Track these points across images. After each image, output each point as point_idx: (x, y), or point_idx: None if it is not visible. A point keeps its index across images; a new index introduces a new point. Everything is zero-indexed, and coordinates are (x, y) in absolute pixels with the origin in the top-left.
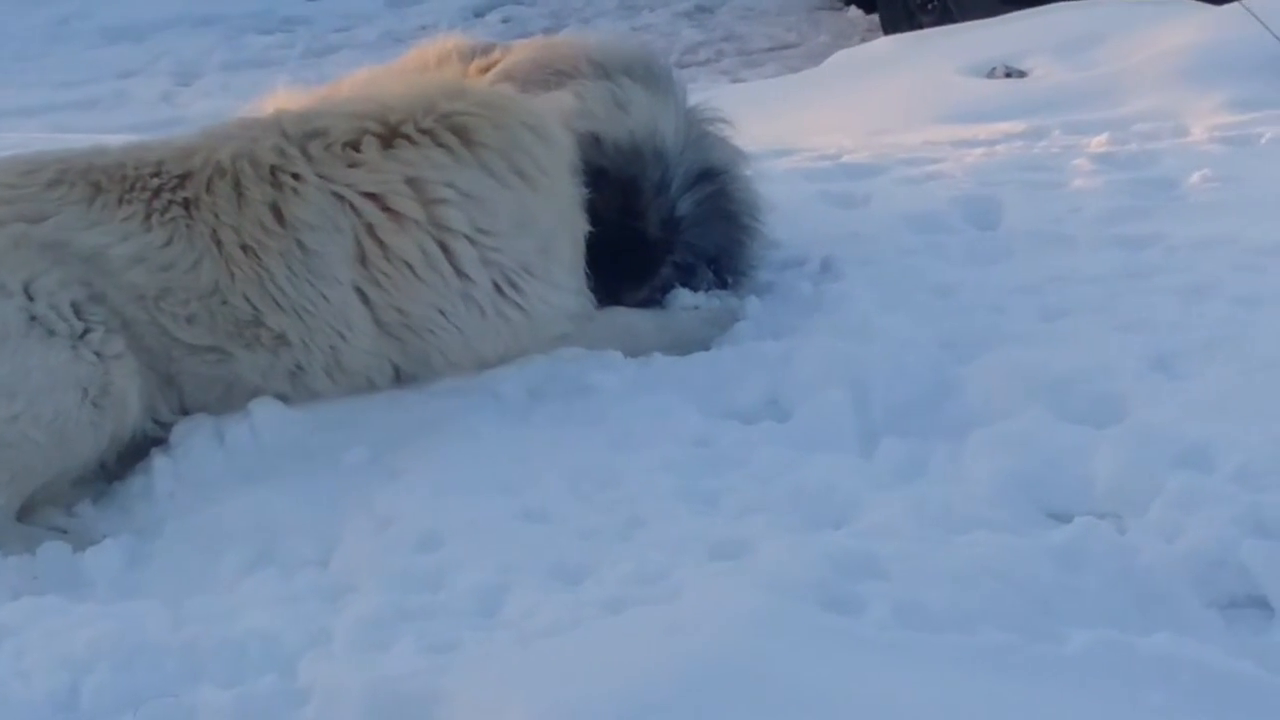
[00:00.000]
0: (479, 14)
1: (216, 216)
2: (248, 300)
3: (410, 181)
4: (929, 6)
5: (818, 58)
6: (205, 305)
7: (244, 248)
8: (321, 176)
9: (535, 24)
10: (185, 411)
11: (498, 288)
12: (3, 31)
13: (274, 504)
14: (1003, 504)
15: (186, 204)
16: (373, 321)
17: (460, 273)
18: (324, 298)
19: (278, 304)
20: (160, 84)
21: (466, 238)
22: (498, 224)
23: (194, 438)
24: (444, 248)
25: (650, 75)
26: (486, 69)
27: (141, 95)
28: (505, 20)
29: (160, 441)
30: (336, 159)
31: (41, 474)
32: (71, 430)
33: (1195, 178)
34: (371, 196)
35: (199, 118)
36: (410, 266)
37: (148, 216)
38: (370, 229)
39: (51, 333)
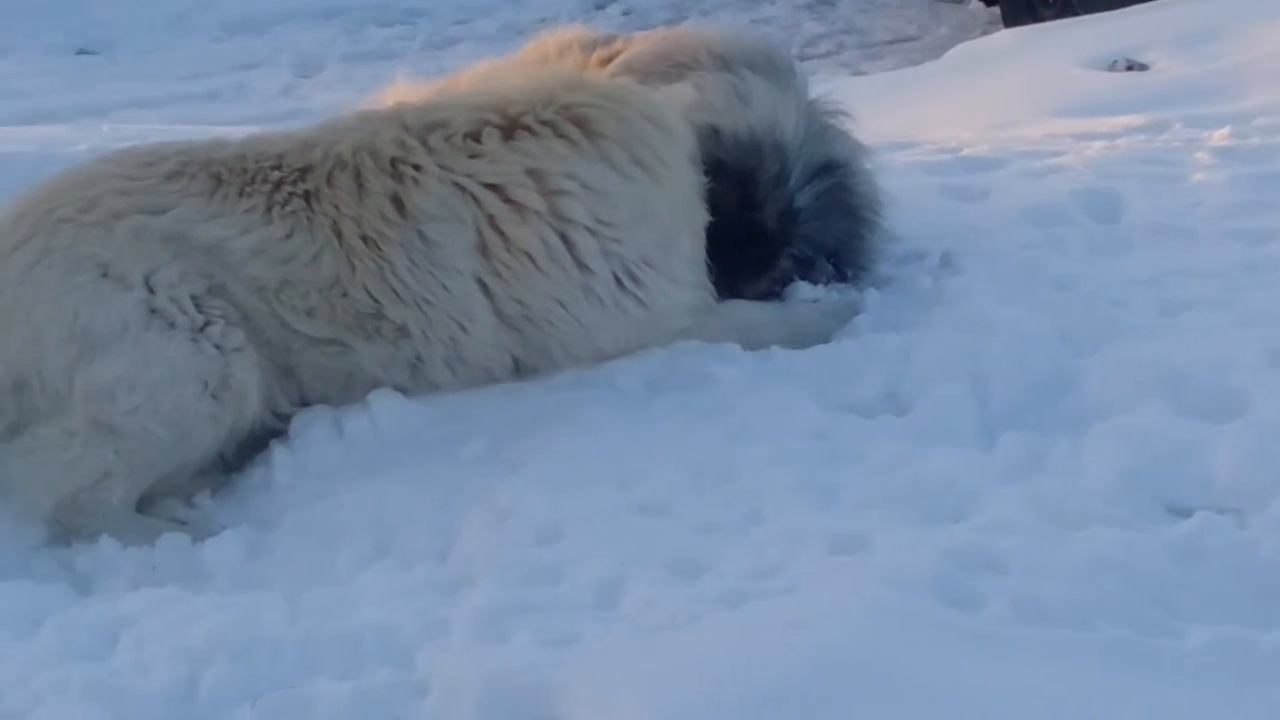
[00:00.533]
0: (599, 6)
1: (337, 209)
2: (368, 292)
3: (531, 173)
4: (1050, 0)
5: (938, 50)
6: (325, 298)
7: (365, 239)
8: (442, 167)
9: (656, 16)
10: (304, 403)
11: (618, 280)
12: (125, 24)
13: (392, 496)
14: (1122, 499)
15: (307, 196)
16: (493, 313)
17: (581, 264)
18: (445, 289)
19: (398, 295)
20: (281, 76)
21: (588, 229)
22: (618, 216)
23: (313, 429)
24: (565, 239)
25: (771, 68)
26: (607, 60)
27: (262, 88)
28: (626, 12)
29: (279, 433)
30: (457, 150)
31: (161, 467)
32: (191, 423)
33: None
34: (492, 187)
35: (320, 110)
36: (531, 258)
37: (268, 209)
38: (491, 220)
39: (172, 325)
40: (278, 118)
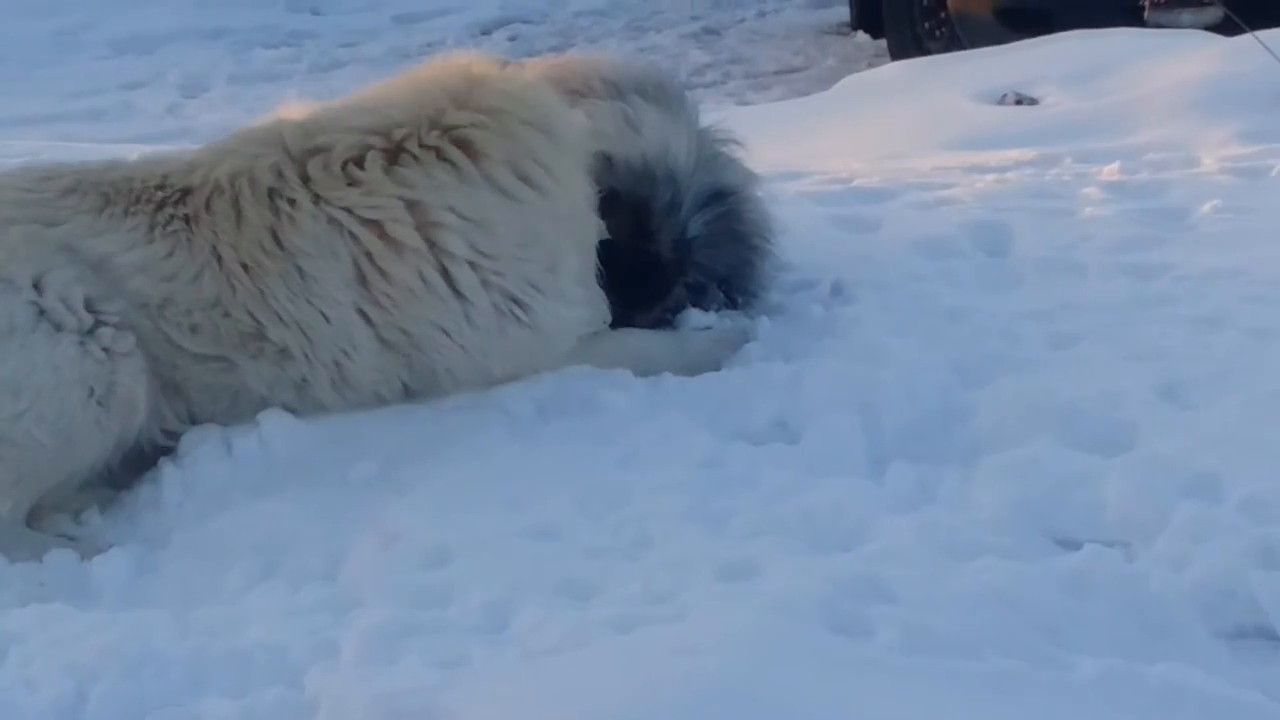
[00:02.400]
0: (486, 32)
1: (216, 234)
2: (249, 314)
3: (409, 206)
4: (937, 33)
5: (825, 82)
6: (208, 316)
7: (244, 266)
8: (318, 200)
9: (542, 42)
10: (193, 421)
11: (500, 308)
12: (9, 40)
13: (281, 517)
14: (1011, 530)
15: (187, 219)
16: (376, 340)
17: (460, 295)
18: (324, 318)
19: (279, 319)
20: (167, 96)
21: (468, 262)
22: (500, 245)
23: (202, 448)
24: (444, 272)
25: (663, 95)
26: None
27: (148, 107)
28: (512, 38)
29: (168, 451)
30: (335, 179)
31: (48, 477)
32: (77, 430)
33: (1206, 208)
34: (369, 223)
35: (205, 130)
36: (411, 290)
37: (151, 228)
38: (369, 255)
39: (59, 327)
40: (163, 137)
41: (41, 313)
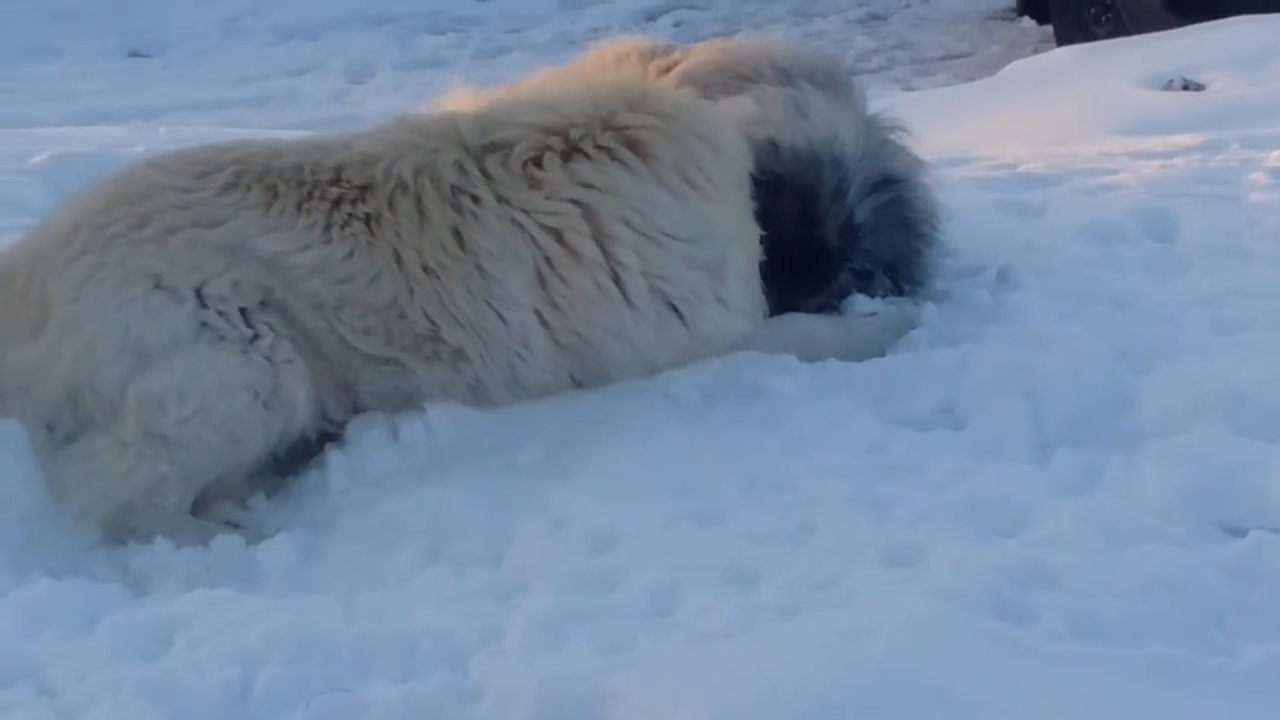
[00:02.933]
0: (651, 17)
1: (399, 235)
2: (426, 316)
3: (586, 214)
4: (1103, 18)
5: (991, 67)
6: (382, 319)
7: (425, 268)
8: (501, 201)
9: (707, 28)
10: (359, 411)
11: (665, 315)
12: (177, 27)
13: (447, 502)
14: (1177, 516)
15: (368, 219)
16: (550, 341)
17: (631, 303)
18: (502, 319)
19: (456, 321)
20: (332, 82)
21: (640, 273)
22: (669, 256)
23: (368, 434)
24: (617, 281)
25: (831, 82)
26: (665, 71)
27: (313, 93)
28: (677, 24)
29: (334, 438)
30: (515, 178)
31: (213, 471)
32: (242, 430)
33: None
34: (549, 230)
35: (371, 116)
36: (586, 295)
37: (328, 228)
38: (549, 261)
39: (221, 338)
40: (328, 123)
41: (203, 324)
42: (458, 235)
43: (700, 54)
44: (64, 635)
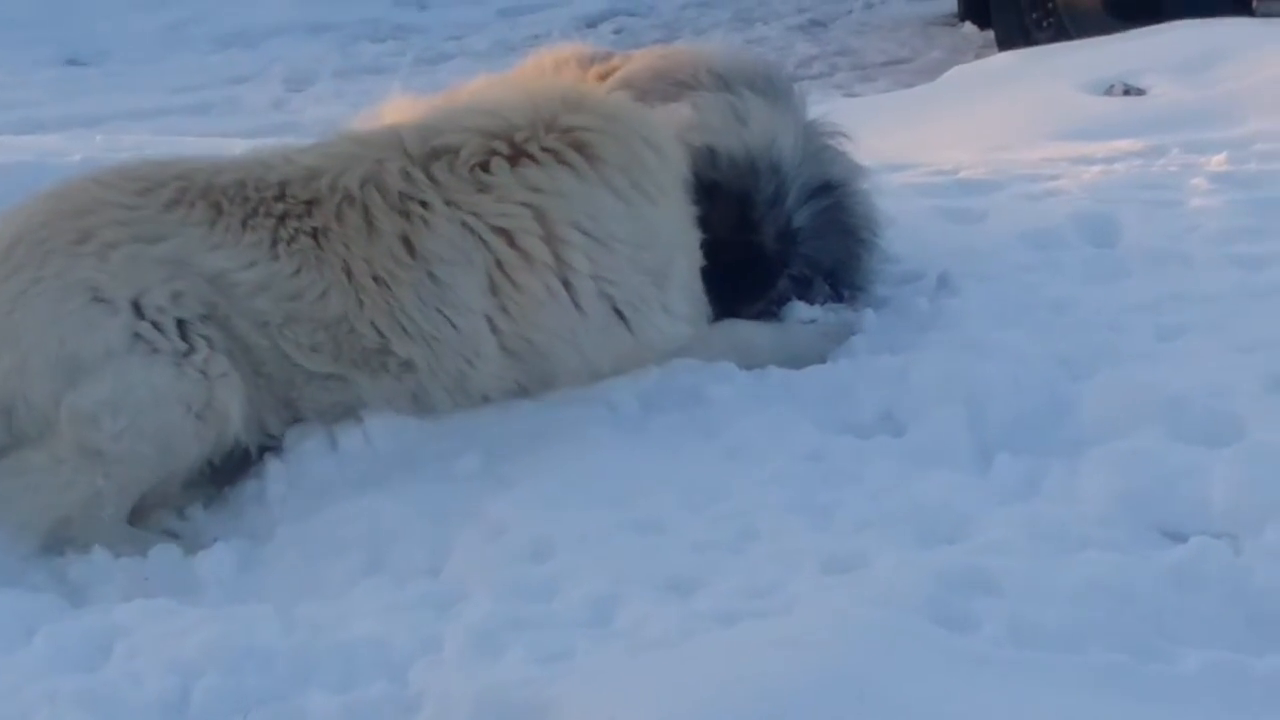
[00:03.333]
0: (591, 24)
1: (347, 247)
2: (376, 329)
3: (537, 216)
4: (1044, 23)
5: (932, 73)
6: (331, 334)
7: (375, 279)
8: (450, 204)
9: (648, 35)
10: (299, 422)
11: (611, 319)
12: (118, 35)
13: (385, 511)
14: (1117, 523)
15: (315, 233)
16: (500, 348)
17: (579, 306)
18: (453, 326)
19: (406, 332)
20: (272, 90)
21: (589, 276)
22: (616, 260)
23: (307, 443)
24: (566, 284)
25: (770, 87)
26: (604, 76)
27: (254, 101)
28: (618, 31)
29: (273, 447)
30: (464, 183)
31: (148, 482)
32: (175, 443)
33: None
34: (500, 231)
35: (311, 124)
36: (539, 301)
37: (274, 244)
38: (500, 264)
39: (155, 350)
40: (269, 131)
41: (137, 335)
42: (408, 243)
43: (639, 60)
44: (1, 647)
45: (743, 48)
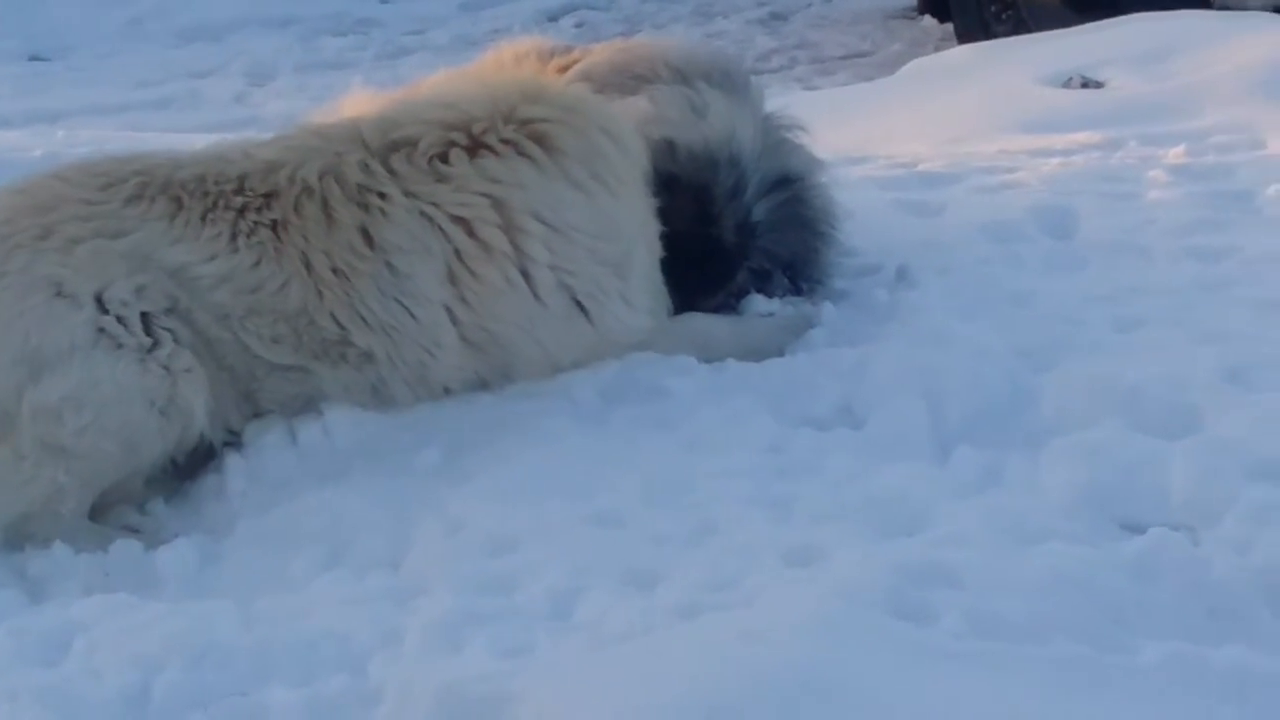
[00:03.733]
0: (553, 18)
1: (306, 239)
2: (335, 320)
3: (496, 206)
4: (1003, 16)
5: (891, 66)
6: (292, 326)
7: (334, 270)
8: (409, 194)
9: (609, 29)
10: (258, 415)
11: (570, 310)
12: (79, 29)
13: (346, 505)
14: (1077, 514)
15: (274, 226)
16: (459, 339)
17: (538, 297)
18: (413, 317)
19: (366, 323)
20: (234, 84)
21: (547, 266)
22: (575, 251)
23: (266, 437)
24: (525, 274)
25: (728, 81)
26: (564, 69)
27: (216, 95)
28: (579, 25)
29: (233, 442)
30: (422, 174)
31: (111, 478)
32: (139, 439)
33: (1272, 190)
34: (459, 220)
35: (273, 118)
36: (495, 289)
37: (234, 237)
38: (458, 254)
39: (119, 345)
40: (231, 125)
41: (101, 330)
42: (366, 234)
43: (598, 54)
44: None
45: (701, 42)
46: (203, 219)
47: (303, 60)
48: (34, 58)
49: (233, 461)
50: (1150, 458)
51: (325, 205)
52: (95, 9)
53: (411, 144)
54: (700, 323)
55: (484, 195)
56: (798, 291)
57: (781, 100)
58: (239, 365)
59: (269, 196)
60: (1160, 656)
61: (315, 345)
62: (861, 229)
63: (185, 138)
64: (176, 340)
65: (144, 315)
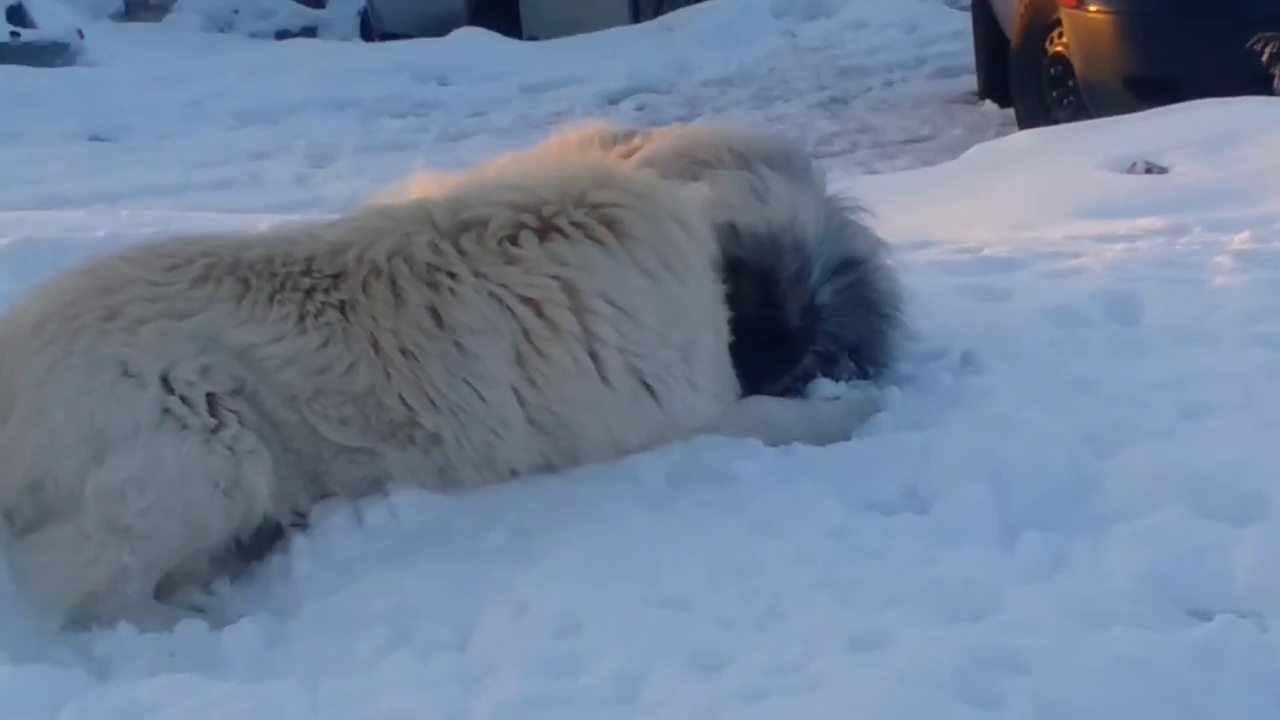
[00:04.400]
0: (613, 100)
1: (374, 320)
2: (403, 401)
3: (565, 288)
4: (1065, 101)
5: (953, 151)
6: (359, 407)
7: (402, 351)
8: (478, 275)
9: (669, 112)
10: (325, 497)
11: (639, 393)
12: (140, 110)
13: (411, 586)
14: (1143, 600)
15: (342, 306)
16: (526, 420)
17: (606, 380)
18: (481, 398)
19: (434, 404)
20: (295, 166)
21: (617, 349)
22: (644, 333)
23: (332, 518)
24: (594, 357)
25: (790, 165)
26: (627, 155)
27: (275, 177)
28: (640, 108)
29: (299, 523)
30: (492, 255)
31: (175, 559)
32: (202, 520)
33: None
34: (528, 301)
35: (333, 199)
36: (564, 371)
37: (301, 318)
38: (527, 334)
39: (184, 426)
40: (292, 207)
41: (166, 410)
42: (435, 313)
43: (660, 139)
44: None
45: (763, 126)
46: (270, 300)
47: (362, 142)
48: (94, 138)
49: (299, 543)
50: (1216, 543)
51: (394, 285)
52: (155, 90)
53: (481, 225)
54: (766, 406)
55: (553, 277)
56: (863, 375)
57: (844, 184)
58: (306, 447)
59: (337, 277)
60: None
61: (383, 427)
62: (926, 313)
63: (248, 218)
64: (241, 421)
65: (209, 396)
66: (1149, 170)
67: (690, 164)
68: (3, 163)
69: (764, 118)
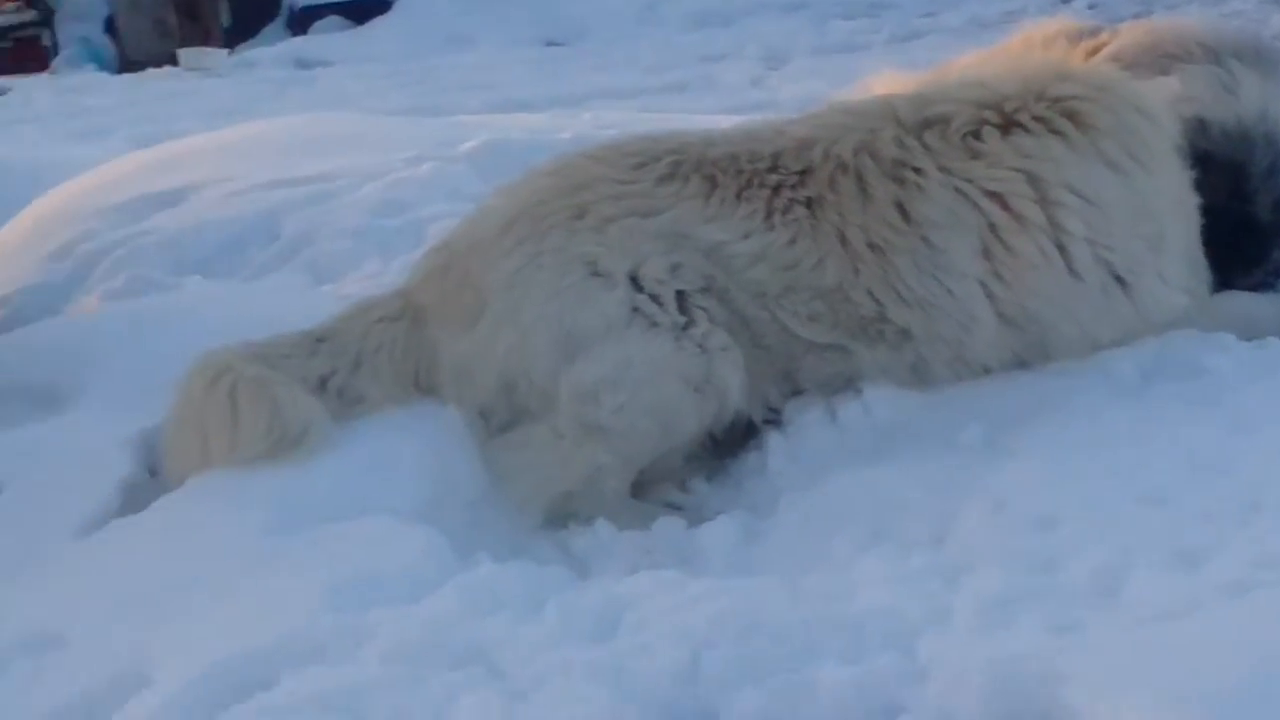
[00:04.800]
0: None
1: (841, 215)
2: (872, 296)
3: (1030, 180)
4: None
5: None
6: (828, 303)
7: (870, 246)
8: (943, 170)
9: (1123, 9)
10: (797, 395)
11: (1107, 286)
12: (593, 16)
13: (887, 483)
14: None
15: (809, 202)
16: (995, 314)
17: (1074, 272)
18: (949, 293)
19: (902, 299)
20: (748, 68)
21: (1084, 239)
22: (1112, 224)
23: (806, 416)
24: (1061, 249)
25: (1260, 59)
26: (1094, 52)
27: (730, 80)
28: (1092, 6)
29: (773, 420)
30: (956, 150)
31: (648, 457)
32: (675, 417)
33: None
34: (993, 195)
35: (789, 102)
36: (1030, 263)
37: (769, 215)
38: (993, 228)
39: (654, 324)
40: (747, 109)
41: (635, 309)
42: (902, 209)
43: (1127, 34)
44: (512, 618)
45: (1221, 21)
46: (737, 197)
47: (815, 44)
48: (550, 43)
49: (773, 439)
50: None
51: (860, 181)
52: None
53: (945, 121)
54: (1240, 301)
55: (1018, 170)
56: None
57: None
58: (776, 344)
59: (803, 174)
60: None
61: (852, 323)
62: None
63: (706, 120)
64: (711, 319)
65: (679, 293)
66: None
67: (1159, 58)
68: (460, 68)
69: (1218, 13)
